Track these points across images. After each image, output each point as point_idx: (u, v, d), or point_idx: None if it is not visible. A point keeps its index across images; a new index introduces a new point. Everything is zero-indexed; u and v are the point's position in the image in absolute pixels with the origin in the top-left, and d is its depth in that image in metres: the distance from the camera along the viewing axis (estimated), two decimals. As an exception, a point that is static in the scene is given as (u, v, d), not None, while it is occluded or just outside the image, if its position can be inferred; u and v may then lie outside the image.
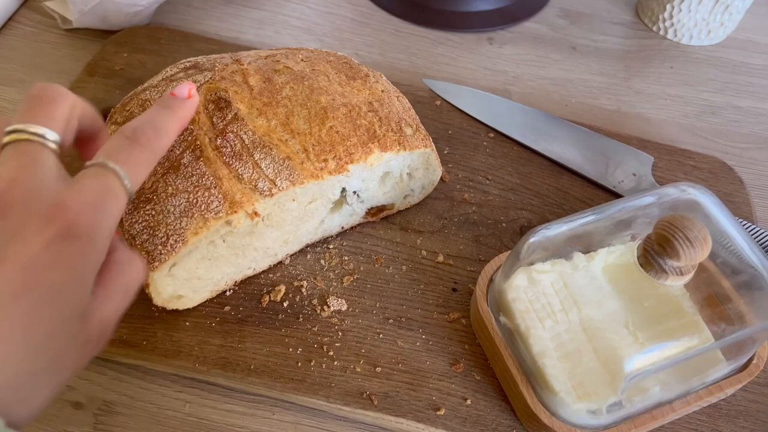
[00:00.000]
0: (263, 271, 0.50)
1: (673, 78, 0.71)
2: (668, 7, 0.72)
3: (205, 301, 0.47)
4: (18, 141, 0.30)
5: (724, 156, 0.63)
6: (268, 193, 0.43)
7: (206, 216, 0.41)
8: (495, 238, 0.53)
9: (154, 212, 0.41)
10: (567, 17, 0.77)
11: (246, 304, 0.48)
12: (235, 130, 0.43)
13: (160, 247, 0.40)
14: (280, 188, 0.43)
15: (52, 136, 0.31)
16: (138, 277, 0.33)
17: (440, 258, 0.51)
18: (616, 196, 0.56)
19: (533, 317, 0.44)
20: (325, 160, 0.44)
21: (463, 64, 0.70)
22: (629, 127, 0.65)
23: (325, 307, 0.48)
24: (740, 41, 0.75)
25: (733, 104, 0.69)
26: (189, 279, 0.44)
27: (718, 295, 0.42)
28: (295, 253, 0.51)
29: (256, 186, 0.42)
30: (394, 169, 0.50)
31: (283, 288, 0.49)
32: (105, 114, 0.59)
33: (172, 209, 0.41)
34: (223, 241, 0.44)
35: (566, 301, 0.45)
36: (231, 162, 0.42)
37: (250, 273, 0.49)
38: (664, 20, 0.74)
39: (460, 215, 0.54)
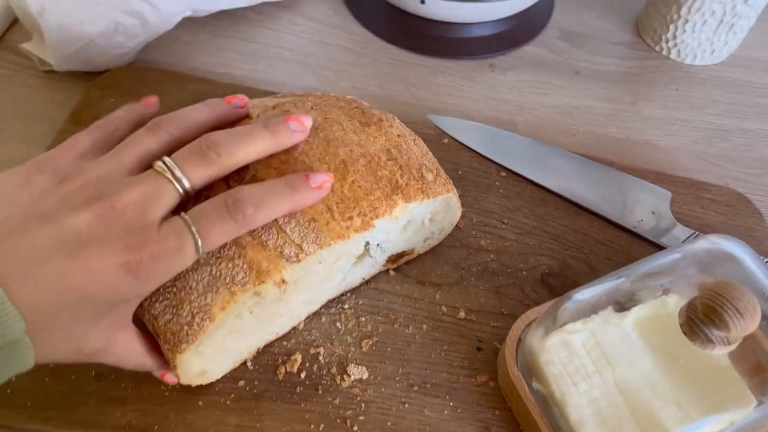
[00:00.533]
0: (277, 340, 0.47)
1: (680, 101, 0.69)
2: (671, 27, 0.71)
3: (219, 377, 0.44)
4: (161, 173, 0.35)
5: (736, 183, 0.62)
6: (295, 259, 0.40)
7: (233, 289, 0.38)
8: (516, 289, 0.51)
9: (175, 289, 0.38)
10: (567, 39, 0.75)
11: (261, 377, 0.45)
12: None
13: (186, 328, 0.38)
14: (308, 252, 0.40)
15: (187, 185, 0.36)
16: None
17: (462, 314, 0.49)
18: (637, 237, 0.54)
19: (568, 381, 0.42)
20: (350, 218, 0.42)
21: (466, 94, 0.67)
22: (640, 157, 0.63)
23: (345, 376, 0.45)
24: (743, 59, 0.74)
25: (741, 127, 0.67)
26: (215, 354, 0.42)
27: (763, 359, 0.41)
28: (310, 317, 0.48)
29: (282, 252, 0.40)
30: (416, 217, 0.48)
31: (299, 357, 0.46)
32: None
33: (195, 285, 0.38)
34: (251, 312, 0.42)
35: (599, 361, 0.44)
36: (254, 229, 0.40)
37: (273, 338, 0.46)
38: (667, 40, 0.72)
39: (478, 264, 0.52)
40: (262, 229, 0.40)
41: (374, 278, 0.51)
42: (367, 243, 0.46)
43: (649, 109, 0.68)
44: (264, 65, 0.68)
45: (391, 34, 0.71)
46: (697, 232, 0.53)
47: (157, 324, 0.38)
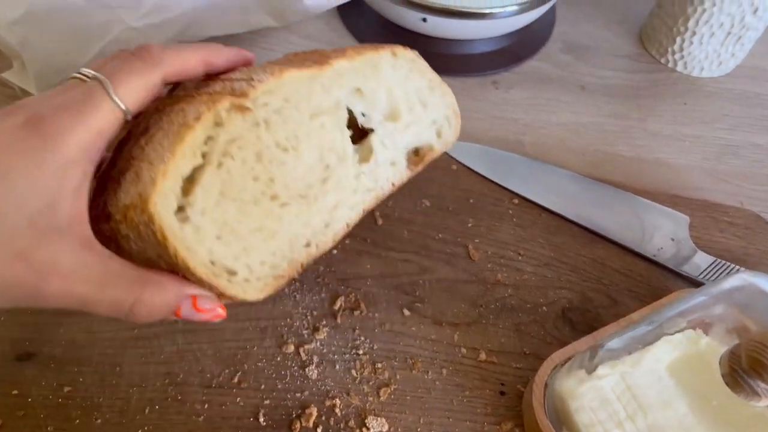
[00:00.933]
0: (290, 392, 0.44)
1: (688, 116, 0.67)
2: (678, 39, 0.69)
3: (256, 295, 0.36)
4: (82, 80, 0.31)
5: (750, 201, 0.60)
6: (247, 86, 0.35)
7: (188, 122, 0.33)
8: (537, 326, 0.49)
9: (134, 164, 0.33)
10: (571, 52, 0.73)
11: (275, 434, 0.42)
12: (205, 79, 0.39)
13: (151, 171, 0.32)
14: (259, 80, 0.36)
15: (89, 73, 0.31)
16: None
17: (482, 356, 0.47)
18: (657, 265, 0.52)
19: (600, 430, 0.40)
20: (305, 64, 0.39)
21: (471, 114, 0.65)
22: (651, 176, 0.61)
23: (363, 429, 0.43)
24: (749, 69, 0.72)
25: (752, 142, 0.66)
26: (221, 235, 0.34)
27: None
28: (323, 365, 0.46)
29: (232, 88, 0.36)
30: (394, 87, 0.43)
31: (314, 410, 0.43)
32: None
33: (153, 146, 0.33)
34: (232, 158, 0.34)
35: (630, 406, 0.42)
36: (202, 89, 0.37)
37: (313, 251, 0.39)
38: (673, 52, 0.70)
39: (496, 300, 0.50)
40: (206, 84, 0.37)
41: (389, 319, 0.48)
42: (351, 114, 0.41)
43: (658, 125, 0.66)
44: (259, 88, 0.65)
45: (391, 52, 0.68)
46: (718, 259, 0.52)
47: (123, 203, 0.32)
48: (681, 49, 0.69)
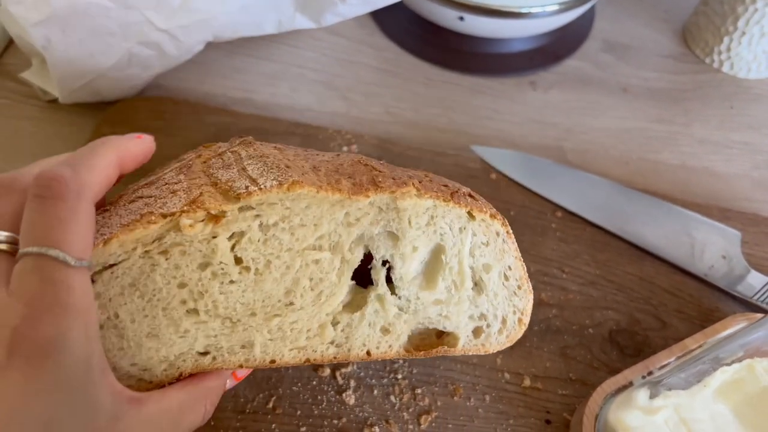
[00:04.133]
0: (327, 418, 0.42)
1: (736, 121, 0.64)
2: (726, 39, 0.65)
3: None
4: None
5: (803, 214, 0.57)
6: (244, 191, 0.31)
7: (154, 212, 0.30)
8: (584, 349, 0.47)
9: (102, 218, 0.31)
10: (611, 51, 0.69)
11: (313, 464, 0.40)
12: (236, 150, 0.34)
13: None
14: (262, 187, 0.31)
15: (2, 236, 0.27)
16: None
17: (527, 382, 0.45)
18: (708, 285, 0.50)
19: (655, 467, 0.38)
20: (338, 180, 0.33)
21: (508, 117, 0.62)
22: (699, 186, 0.58)
23: (405, 460, 0.41)
24: (799, 71, 0.69)
25: (803, 149, 0.63)
26: (104, 326, 0.31)
27: None
28: (361, 389, 0.43)
29: (231, 186, 0.31)
30: (447, 248, 0.35)
31: (353, 439, 0.41)
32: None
33: (123, 212, 0.31)
34: (166, 259, 0.31)
35: (686, 440, 0.40)
36: (215, 172, 0.33)
37: (206, 364, 0.33)
38: (719, 53, 0.67)
39: (540, 321, 0.47)
40: (223, 171, 0.32)
41: (428, 341, 0.46)
42: (368, 259, 0.35)
43: (705, 130, 0.63)
44: (286, 88, 0.62)
45: (424, 51, 0.65)
46: (774, 280, 0.49)
47: None
48: (728, 50, 0.66)
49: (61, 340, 0.25)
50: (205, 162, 0.34)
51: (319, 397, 0.43)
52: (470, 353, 0.38)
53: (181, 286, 0.32)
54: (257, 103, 0.61)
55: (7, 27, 0.50)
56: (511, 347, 0.46)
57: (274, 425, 0.42)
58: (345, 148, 0.55)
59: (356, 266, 0.34)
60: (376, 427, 0.42)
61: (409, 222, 0.34)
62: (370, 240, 0.34)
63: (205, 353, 0.33)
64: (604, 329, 0.48)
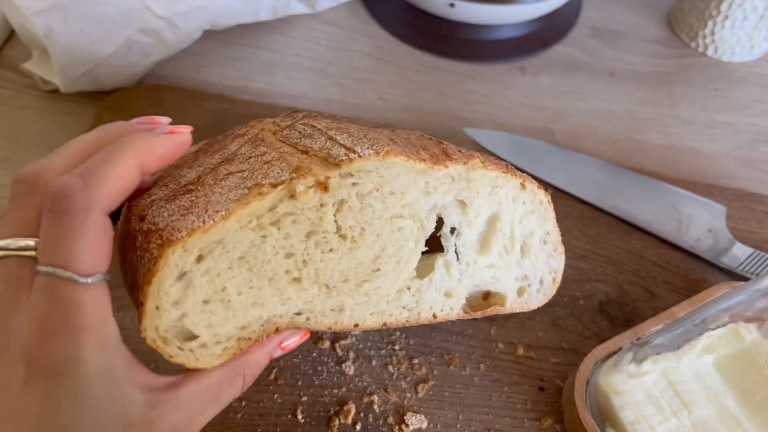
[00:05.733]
0: (328, 388, 0.44)
1: (720, 102, 0.66)
2: (710, 23, 0.67)
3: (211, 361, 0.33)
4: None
5: (786, 190, 0.59)
6: (345, 158, 0.31)
7: (262, 183, 0.30)
8: (574, 320, 0.48)
9: (195, 198, 0.30)
10: (598, 37, 0.71)
11: (314, 431, 0.42)
12: (306, 122, 0.35)
13: (193, 218, 0.29)
14: (361, 155, 0.32)
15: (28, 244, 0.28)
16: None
17: (520, 351, 0.46)
18: (694, 257, 0.52)
19: (645, 427, 0.40)
20: (417, 150, 0.34)
21: (498, 101, 0.64)
22: (684, 165, 0.60)
23: (403, 426, 0.42)
24: (781, 54, 0.71)
25: (786, 128, 0.64)
26: (211, 301, 0.31)
27: None
28: (360, 360, 0.45)
29: (329, 153, 0.32)
30: (503, 216, 0.38)
31: (352, 407, 0.43)
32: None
33: (220, 189, 0.30)
34: (279, 228, 0.31)
35: (674, 402, 0.41)
36: (299, 141, 0.33)
37: (301, 322, 0.34)
38: (704, 36, 0.69)
39: (532, 294, 0.49)
40: (308, 140, 0.33)
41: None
42: (440, 223, 0.37)
43: (689, 111, 0.65)
44: (282, 76, 0.64)
45: (416, 39, 0.67)
46: (757, 251, 0.51)
47: (155, 229, 0.29)
48: (712, 33, 0.68)
49: (73, 359, 0.26)
50: (275, 133, 0.35)
51: (319, 368, 0.45)
52: (516, 311, 0.41)
53: (288, 256, 0.32)
54: (253, 91, 0.62)
55: (9, 17, 0.51)
56: (505, 318, 0.48)
57: (276, 395, 0.43)
58: (340, 132, 0.57)
59: (430, 233, 0.36)
60: (375, 396, 0.44)
61: (477, 191, 0.37)
62: (442, 208, 0.36)
63: (299, 313, 0.34)
64: (595, 300, 0.49)
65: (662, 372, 0.42)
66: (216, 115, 0.57)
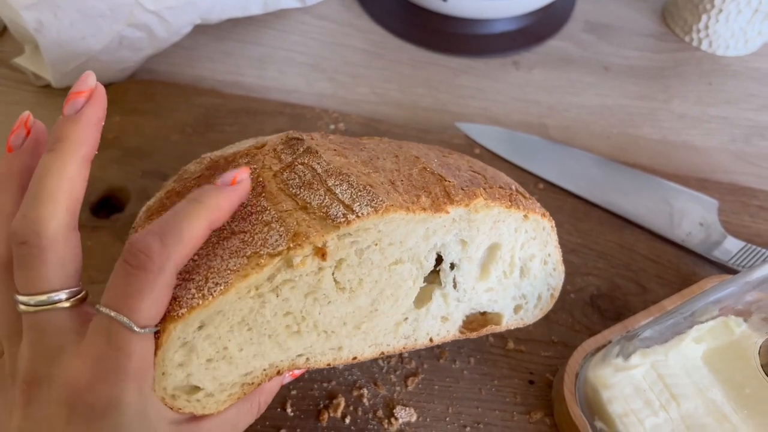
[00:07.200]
0: (317, 381, 0.44)
1: (714, 96, 0.66)
2: (704, 17, 0.67)
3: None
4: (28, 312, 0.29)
5: (779, 184, 0.59)
6: (343, 219, 0.31)
7: (260, 252, 0.31)
8: (565, 313, 0.48)
9: (197, 257, 0.31)
10: (593, 31, 0.71)
11: (303, 425, 0.42)
12: (306, 161, 0.34)
13: (193, 291, 0.30)
14: (359, 215, 0.32)
15: (65, 295, 0.30)
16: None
17: (510, 344, 0.46)
18: (686, 251, 0.51)
19: (634, 420, 0.40)
20: (418, 197, 0.34)
21: (492, 96, 0.64)
22: (678, 160, 0.60)
23: (392, 420, 0.42)
24: (776, 48, 0.71)
25: (780, 122, 0.64)
26: (213, 359, 0.32)
27: None
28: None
29: (327, 213, 0.32)
30: (504, 245, 0.39)
31: (342, 400, 0.43)
32: (105, 197, 0.52)
33: (221, 252, 0.31)
34: (277, 295, 0.32)
35: (662, 395, 0.41)
36: (298, 192, 0.33)
37: (301, 363, 0.35)
38: (698, 31, 0.68)
39: (523, 288, 0.49)
40: (307, 191, 0.33)
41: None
42: (439, 261, 0.37)
43: (684, 106, 0.65)
44: (274, 71, 0.64)
45: (409, 33, 0.67)
46: (748, 244, 0.51)
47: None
48: (706, 27, 0.68)
49: (116, 402, 0.28)
50: (275, 176, 0.34)
51: (309, 362, 0.44)
52: (512, 327, 0.42)
53: (287, 314, 0.33)
54: (245, 85, 0.62)
55: (0, 12, 0.51)
56: (495, 312, 0.47)
57: (265, 389, 0.43)
58: (332, 126, 0.57)
59: (429, 271, 0.37)
60: (365, 389, 0.44)
61: (478, 229, 0.37)
62: (441, 246, 0.37)
63: (300, 354, 0.35)
64: (586, 294, 0.49)
65: (651, 365, 0.42)
66: (208, 110, 0.57)
